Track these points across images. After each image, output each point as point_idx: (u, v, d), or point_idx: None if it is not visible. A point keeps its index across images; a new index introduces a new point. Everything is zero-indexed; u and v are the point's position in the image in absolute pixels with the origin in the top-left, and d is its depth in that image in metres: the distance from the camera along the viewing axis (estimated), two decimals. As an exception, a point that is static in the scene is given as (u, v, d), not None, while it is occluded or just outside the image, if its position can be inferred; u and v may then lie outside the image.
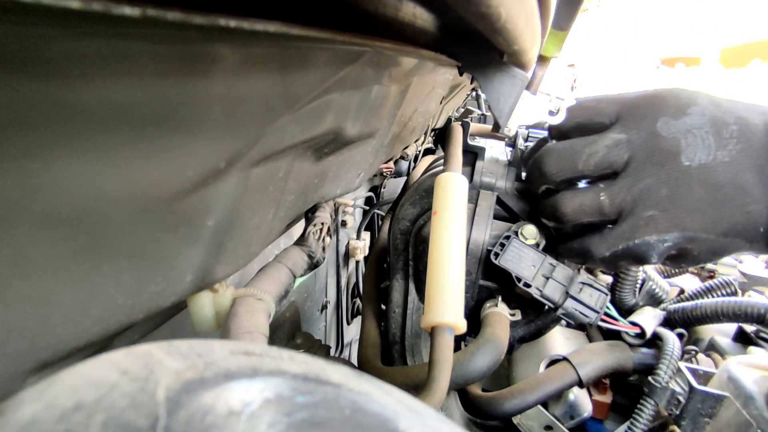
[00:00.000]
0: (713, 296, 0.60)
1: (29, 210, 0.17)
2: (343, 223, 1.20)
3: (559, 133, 0.47)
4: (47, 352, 0.20)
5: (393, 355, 0.61)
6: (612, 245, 0.43)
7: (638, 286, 0.59)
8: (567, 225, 0.46)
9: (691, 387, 0.45)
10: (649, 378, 0.48)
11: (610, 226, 0.43)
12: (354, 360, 0.71)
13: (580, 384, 0.53)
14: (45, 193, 0.17)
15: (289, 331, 0.77)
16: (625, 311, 0.57)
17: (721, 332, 0.60)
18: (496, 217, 0.55)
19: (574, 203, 0.44)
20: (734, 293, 0.60)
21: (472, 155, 0.57)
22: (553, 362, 0.56)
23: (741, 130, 0.39)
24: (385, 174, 1.36)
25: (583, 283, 0.48)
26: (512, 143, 0.57)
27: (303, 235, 0.47)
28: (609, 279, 0.59)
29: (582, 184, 0.45)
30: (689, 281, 0.74)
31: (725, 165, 0.39)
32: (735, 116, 0.39)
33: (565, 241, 0.48)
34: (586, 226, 0.46)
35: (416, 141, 1.09)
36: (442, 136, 0.61)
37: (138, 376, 0.12)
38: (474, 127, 0.64)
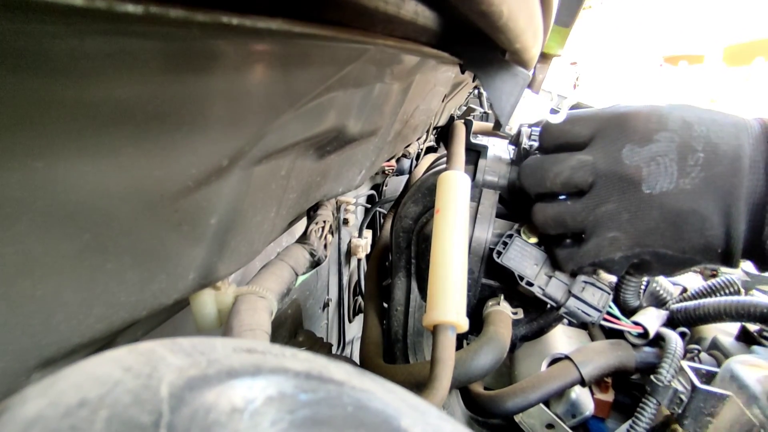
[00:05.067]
0: (716, 295, 0.60)
1: (33, 208, 0.17)
2: (345, 222, 1.20)
3: (542, 150, 0.50)
4: (51, 349, 0.21)
5: (395, 353, 0.61)
6: (578, 262, 0.46)
7: (643, 288, 0.59)
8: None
9: (693, 386, 0.45)
10: (652, 377, 0.48)
11: (578, 243, 0.46)
12: (356, 358, 0.71)
13: (582, 383, 0.53)
14: (49, 191, 0.17)
15: (291, 328, 0.77)
16: (629, 312, 0.57)
17: (724, 331, 0.60)
18: (499, 215, 0.54)
19: (544, 214, 0.47)
20: (737, 292, 0.59)
21: (474, 153, 0.57)
22: (555, 361, 0.56)
23: (707, 158, 0.39)
24: (387, 172, 1.36)
25: (586, 282, 0.48)
26: (515, 142, 0.57)
27: (305, 233, 0.47)
28: (612, 278, 0.59)
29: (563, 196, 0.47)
30: (692, 280, 0.74)
31: (686, 193, 0.40)
32: (704, 142, 0.40)
33: (547, 247, 0.50)
34: (560, 235, 0.48)
35: (418, 139, 1.09)
36: (444, 134, 0.61)
37: (141, 373, 0.12)
38: (476, 125, 0.64)
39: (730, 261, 0.41)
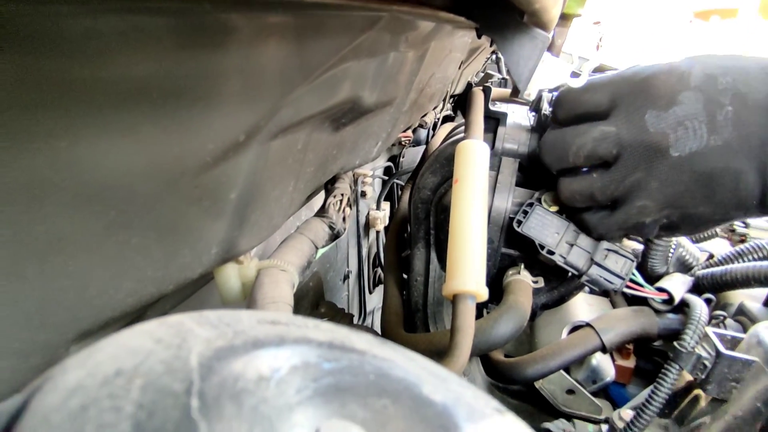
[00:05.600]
0: (744, 260, 0.59)
1: (60, 187, 0.17)
2: (363, 194, 1.20)
3: (557, 122, 0.48)
4: (87, 322, 0.22)
5: (415, 323, 0.62)
6: (608, 228, 0.46)
7: (671, 254, 0.57)
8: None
9: (718, 352, 0.45)
10: (675, 343, 0.48)
11: (608, 210, 0.45)
12: (377, 328, 0.73)
13: (603, 350, 0.53)
14: (73, 170, 0.17)
15: (312, 300, 0.78)
16: (655, 279, 0.56)
17: (752, 297, 0.58)
18: (519, 183, 0.54)
19: (570, 189, 0.46)
20: (766, 257, 0.58)
21: (493, 121, 0.56)
22: (576, 328, 0.56)
23: (737, 112, 0.37)
24: (403, 143, 1.34)
25: (609, 250, 0.47)
26: (536, 108, 0.55)
27: (323, 207, 0.47)
28: (636, 245, 0.58)
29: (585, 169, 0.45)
30: (719, 246, 0.72)
31: (718, 150, 0.38)
32: (731, 94, 0.37)
33: (573, 214, 0.49)
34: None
35: (435, 108, 1.07)
36: (462, 102, 0.60)
37: (172, 344, 0.12)
38: (495, 92, 0.62)
39: (766, 210, 0.39)
